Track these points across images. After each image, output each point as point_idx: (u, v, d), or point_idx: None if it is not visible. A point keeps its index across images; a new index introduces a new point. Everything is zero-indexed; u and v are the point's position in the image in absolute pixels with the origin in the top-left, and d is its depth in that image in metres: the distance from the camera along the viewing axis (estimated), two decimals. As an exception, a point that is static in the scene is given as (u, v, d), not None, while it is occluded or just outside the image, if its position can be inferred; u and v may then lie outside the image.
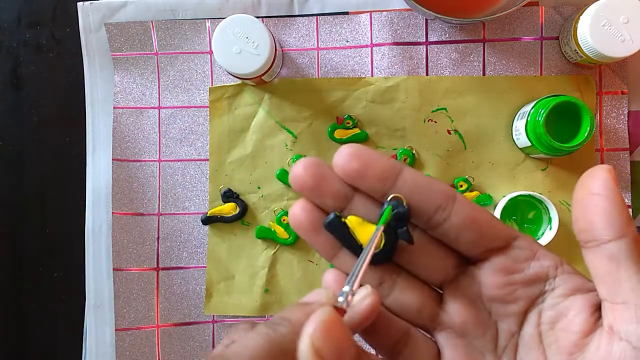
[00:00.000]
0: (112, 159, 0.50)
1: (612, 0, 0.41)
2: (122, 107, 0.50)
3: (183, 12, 0.50)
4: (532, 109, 0.43)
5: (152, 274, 0.50)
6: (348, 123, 0.48)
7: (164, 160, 0.50)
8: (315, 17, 0.49)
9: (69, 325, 0.51)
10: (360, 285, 0.21)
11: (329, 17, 0.49)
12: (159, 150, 0.50)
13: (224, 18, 0.43)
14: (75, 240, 0.51)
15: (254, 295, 0.49)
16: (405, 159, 0.47)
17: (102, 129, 0.51)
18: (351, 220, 0.22)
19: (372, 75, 0.48)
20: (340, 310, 0.19)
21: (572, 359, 0.21)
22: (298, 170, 0.21)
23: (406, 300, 0.23)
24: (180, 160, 0.50)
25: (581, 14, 0.43)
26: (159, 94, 0.50)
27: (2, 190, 0.52)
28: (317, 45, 0.49)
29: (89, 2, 0.50)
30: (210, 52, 0.49)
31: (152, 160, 0.50)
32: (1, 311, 0.52)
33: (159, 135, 0.50)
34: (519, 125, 0.45)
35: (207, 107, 0.49)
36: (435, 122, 0.48)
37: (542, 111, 0.42)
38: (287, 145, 0.49)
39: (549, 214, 0.46)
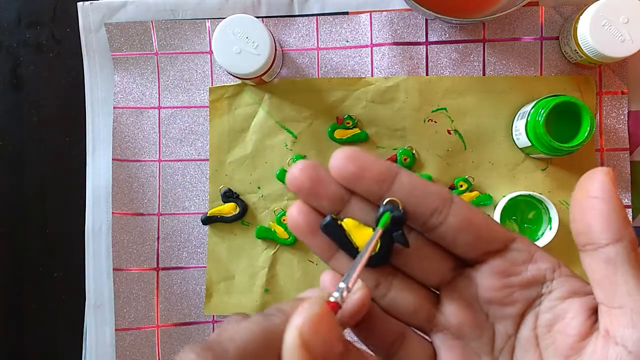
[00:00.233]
0: (112, 159, 0.50)
1: (612, 0, 0.41)
2: (122, 107, 0.50)
3: (183, 12, 0.50)
4: (532, 109, 0.43)
5: (152, 274, 0.50)
6: (348, 123, 0.48)
7: (164, 160, 0.50)
8: (315, 17, 0.49)
9: (69, 325, 0.51)
10: None
11: (329, 17, 0.49)
12: (159, 150, 0.50)
13: (224, 18, 0.43)
14: (75, 240, 0.51)
15: (254, 295, 0.49)
16: (405, 159, 0.47)
17: (102, 129, 0.51)
18: (347, 223, 0.22)
19: (372, 75, 0.48)
20: (334, 306, 0.19)
21: None
22: (295, 173, 0.21)
23: (402, 302, 0.23)
24: (180, 160, 0.50)
25: (581, 14, 0.43)
26: (159, 94, 0.50)
27: (2, 190, 0.52)
28: (317, 45, 0.49)
29: (89, 2, 0.50)
30: (210, 52, 0.49)
31: (152, 160, 0.50)
32: (1, 311, 0.52)
33: (159, 135, 0.50)
34: (519, 125, 0.45)
35: (207, 107, 0.49)
36: (435, 122, 0.48)
37: (542, 111, 0.42)
38: (287, 145, 0.49)
39: (549, 214, 0.46)
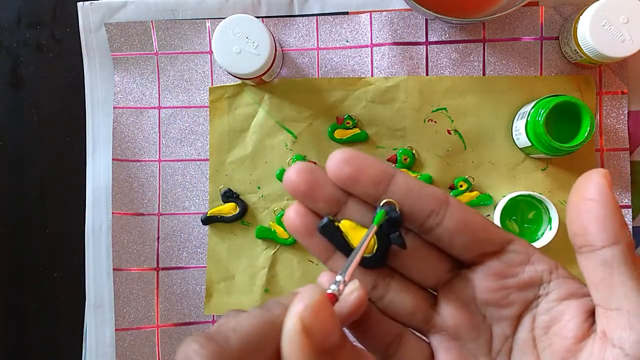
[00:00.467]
0: (112, 159, 0.50)
1: (612, 0, 0.41)
2: (122, 107, 0.50)
3: (183, 12, 0.50)
4: (532, 109, 0.43)
5: (152, 274, 0.50)
6: (348, 123, 0.48)
7: (164, 160, 0.50)
8: (315, 17, 0.49)
9: (69, 325, 0.51)
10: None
11: (329, 17, 0.49)
12: (159, 150, 0.50)
13: (224, 18, 0.43)
14: (75, 240, 0.51)
15: (254, 295, 0.49)
16: (405, 159, 0.47)
17: (102, 129, 0.51)
18: (344, 225, 0.22)
19: (372, 75, 0.48)
20: (332, 297, 0.19)
21: None
22: (291, 176, 0.21)
23: (400, 303, 0.23)
24: (180, 160, 0.50)
25: (581, 14, 0.43)
26: (159, 94, 0.50)
27: (2, 190, 0.52)
28: (317, 45, 0.49)
29: (89, 2, 0.50)
30: (210, 52, 0.49)
31: (152, 160, 0.50)
32: (1, 311, 0.52)
33: (159, 135, 0.50)
34: (519, 125, 0.45)
35: (207, 107, 0.49)
36: (435, 122, 0.48)
37: (542, 111, 0.42)
38: (287, 145, 0.49)
39: (549, 214, 0.46)
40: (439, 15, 0.40)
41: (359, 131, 0.48)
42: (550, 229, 0.45)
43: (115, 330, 0.49)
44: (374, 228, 0.21)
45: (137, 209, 0.50)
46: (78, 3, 0.50)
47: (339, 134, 0.48)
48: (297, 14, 0.49)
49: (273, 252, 0.49)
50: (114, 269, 0.49)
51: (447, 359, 0.23)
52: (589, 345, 0.20)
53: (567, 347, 0.21)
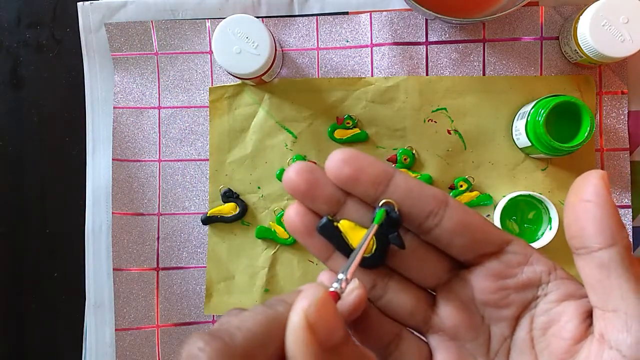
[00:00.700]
0: (112, 159, 0.50)
1: (612, 0, 0.41)
2: (122, 107, 0.50)
3: (183, 12, 0.50)
4: (532, 109, 0.43)
5: (152, 274, 0.50)
6: (348, 123, 0.48)
7: (164, 160, 0.50)
8: (315, 17, 0.49)
9: (69, 325, 0.51)
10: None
11: (329, 17, 0.49)
12: (159, 150, 0.50)
13: (224, 18, 0.43)
14: (75, 240, 0.51)
15: (254, 295, 0.49)
16: (405, 159, 0.47)
17: (102, 129, 0.51)
18: (344, 225, 0.22)
19: (372, 75, 0.48)
20: (334, 295, 0.19)
21: None
22: (291, 176, 0.21)
23: (398, 303, 0.23)
24: (180, 160, 0.50)
25: (581, 14, 0.43)
26: (159, 94, 0.50)
27: (2, 190, 0.52)
28: (317, 45, 0.49)
29: (89, 2, 0.50)
30: (210, 52, 0.49)
31: (152, 160, 0.50)
32: (1, 311, 0.52)
33: (159, 135, 0.50)
34: (519, 125, 0.45)
35: (207, 107, 0.49)
36: (435, 122, 0.48)
37: (542, 111, 0.42)
38: (287, 145, 0.49)
39: (549, 214, 0.46)
40: (439, 15, 0.40)
41: (359, 131, 0.48)
42: (550, 229, 0.45)
43: (115, 330, 0.49)
44: (375, 227, 0.21)
45: (137, 209, 0.50)
46: (78, 3, 0.50)
47: (339, 134, 0.48)
48: (297, 14, 0.49)
49: (273, 252, 0.49)
50: (114, 269, 0.49)
51: (446, 359, 0.23)
52: (587, 347, 0.20)
53: (565, 348, 0.21)
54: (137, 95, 0.50)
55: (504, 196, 0.47)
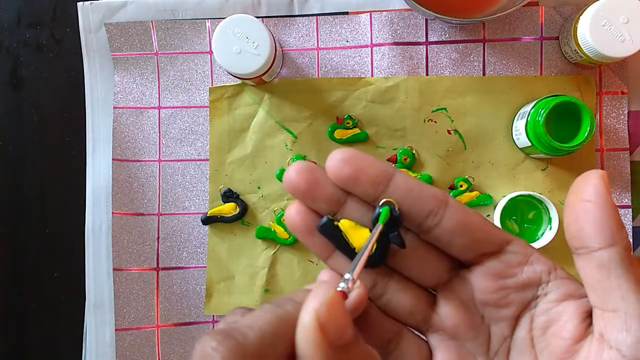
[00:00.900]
0: (112, 159, 0.50)
1: (612, 0, 0.41)
2: (122, 107, 0.50)
3: (183, 12, 0.50)
4: (532, 109, 0.43)
5: (152, 274, 0.50)
6: (348, 123, 0.48)
7: (164, 160, 0.50)
8: (315, 17, 0.49)
9: (69, 325, 0.51)
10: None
11: (329, 17, 0.49)
12: (159, 150, 0.50)
13: (224, 18, 0.43)
14: (75, 240, 0.51)
15: (254, 295, 0.49)
16: (405, 159, 0.47)
17: (102, 129, 0.51)
18: (344, 224, 0.22)
19: (372, 75, 0.48)
20: (341, 294, 0.19)
21: None
22: (291, 176, 0.22)
23: (399, 302, 0.23)
24: (180, 160, 0.50)
25: (581, 14, 0.43)
26: (159, 94, 0.50)
27: (2, 190, 0.52)
28: (317, 45, 0.49)
29: (89, 2, 0.50)
30: (210, 52, 0.49)
31: (152, 160, 0.50)
32: (1, 311, 0.52)
33: (159, 135, 0.50)
34: (519, 125, 0.45)
35: (207, 107, 0.49)
36: (435, 122, 0.48)
37: (542, 111, 0.42)
38: (287, 145, 0.49)
39: (549, 214, 0.46)
40: (439, 15, 0.40)
41: (359, 131, 0.48)
42: (550, 229, 0.45)
43: (115, 330, 0.49)
44: (380, 227, 0.21)
45: (137, 209, 0.50)
46: (78, 3, 0.50)
47: (339, 134, 0.48)
48: (297, 14, 0.49)
49: (273, 252, 0.49)
50: (114, 269, 0.49)
51: (446, 358, 0.23)
52: (587, 347, 0.20)
53: (565, 348, 0.21)
54: (137, 95, 0.50)
55: (504, 196, 0.47)
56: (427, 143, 0.48)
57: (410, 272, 0.23)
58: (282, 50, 0.49)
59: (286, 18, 0.49)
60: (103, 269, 0.50)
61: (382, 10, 0.48)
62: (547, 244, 0.45)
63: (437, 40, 0.48)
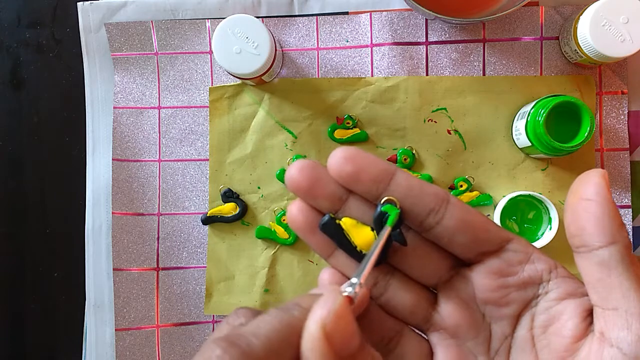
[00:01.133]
0: (112, 159, 0.50)
1: (612, 0, 0.41)
2: (122, 107, 0.50)
3: (183, 12, 0.50)
4: (532, 109, 0.43)
5: (152, 274, 0.50)
6: (348, 123, 0.48)
7: (164, 160, 0.50)
8: (315, 17, 0.49)
9: (69, 325, 0.51)
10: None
11: (329, 17, 0.49)
12: (159, 150, 0.50)
13: (224, 18, 0.43)
14: (75, 240, 0.51)
15: (254, 295, 0.49)
16: (405, 159, 0.47)
17: (102, 129, 0.51)
18: (346, 222, 0.22)
19: (372, 75, 0.48)
20: (348, 300, 0.19)
21: None
22: (293, 173, 0.22)
23: (399, 300, 0.23)
24: (180, 160, 0.50)
25: (581, 14, 0.43)
26: (159, 94, 0.50)
27: (3, 190, 0.52)
28: (317, 45, 0.49)
29: (89, 2, 0.50)
30: (210, 52, 0.49)
31: (152, 160, 0.50)
32: (1, 311, 0.52)
33: (159, 135, 0.50)
34: (519, 125, 0.45)
35: (207, 107, 0.49)
36: (435, 122, 0.48)
37: (542, 111, 0.42)
38: (287, 145, 0.49)
39: (549, 214, 0.46)
40: (439, 15, 0.40)
41: (359, 131, 0.48)
42: (550, 229, 0.45)
43: (115, 330, 0.49)
44: (388, 229, 0.21)
45: (137, 209, 0.50)
46: (78, 3, 0.50)
47: (339, 134, 0.48)
48: (297, 14, 0.49)
49: (273, 252, 0.49)
50: (114, 269, 0.49)
51: (446, 357, 0.23)
52: (587, 345, 0.20)
53: (566, 347, 0.21)
54: (137, 95, 0.50)
55: (504, 196, 0.47)
56: (427, 143, 0.48)
57: (411, 270, 0.23)
58: (282, 50, 0.49)
59: (286, 18, 0.49)
60: (103, 269, 0.50)
61: (382, 10, 0.48)
62: (547, 244, 0.45)
63: (437, 40, 0.48)
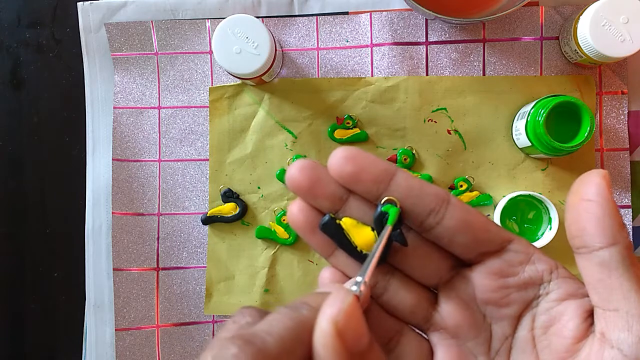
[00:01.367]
0: (112, 159, 0.50)
1: (612, 0, 0.41)
2: (122, 107, 0.50)
3: (183, 12, 0.50)
4: (532, 109, 0.43)
5: (152, 274, 0.50)
6: (348, 123, 0.48)
7: (164, 160, 0.50)
8: (315, 17, 0.49)
9: (69, 325, 0.51)
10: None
11: (329, 17, 0.49)
12: (159, 150, 0.50)
13: (224, 18, 0.43)
14: (75, 240, 0.51)
15: (254, 295, 0.49)
16: (405, 159, 0.47)
17: (102, 129, 0.51)
18: (346, 222, 0.22)
19: (372, 75, 0.48)
20: (355, 298, 0.19)
21: None
22: (293, 173, 0.22)
23: (400, 300, 0.23)
24: (180, 160, 0.50)
25: (581, 14, 0.43)
26: (159, 94, 0.50)
27: (3, 190, 0.52)
28: (317, 45, 0.49)
29: (89, 2, 0.50)
30: (210, 52, 0.49)
31: (152, 160, 0.50)
32: (1, 311, 0.52)
33: (159, 135, 0.50)
34: (519, 125, 0.45)
35: (207, 107, 0.49)
36: (435, 122, 0.48)
37: (542, 111, 0.42)
38: (287, 145, 0.49)
39: (549, 214, 0.46)
40: (439, 15, 0.40)
41: (359, 131, 0.48)
42: (550, 229, 0.45)
43: (115, 330, 0.49)
44: (389, 228, 0.21)
45: (137, 209, 0.50)
46: (78, 3, 0.50)
47: (339, 134, 0.48)
48: (297, 14, 0.49)
49: (273, 252, 0.49)
50: (114, 269, 0.49)
51: (446, 357, 0.23)
52: (588, 346, 0.20)
53: (566, 347, 0.21)
54: (137, 95, 0.50)
55: (504, 196, 0.47)
56: (427, 143, 0.48)
57: (412, 270, 0.23)
58: (282, 50, 0.49)
59: (286, 18, 0.49)
60: (103, 269, 0.50)
61: (382, 10, 0.48)
62: (547, 244, 0.45)
63: (437, 40, 0.48)
